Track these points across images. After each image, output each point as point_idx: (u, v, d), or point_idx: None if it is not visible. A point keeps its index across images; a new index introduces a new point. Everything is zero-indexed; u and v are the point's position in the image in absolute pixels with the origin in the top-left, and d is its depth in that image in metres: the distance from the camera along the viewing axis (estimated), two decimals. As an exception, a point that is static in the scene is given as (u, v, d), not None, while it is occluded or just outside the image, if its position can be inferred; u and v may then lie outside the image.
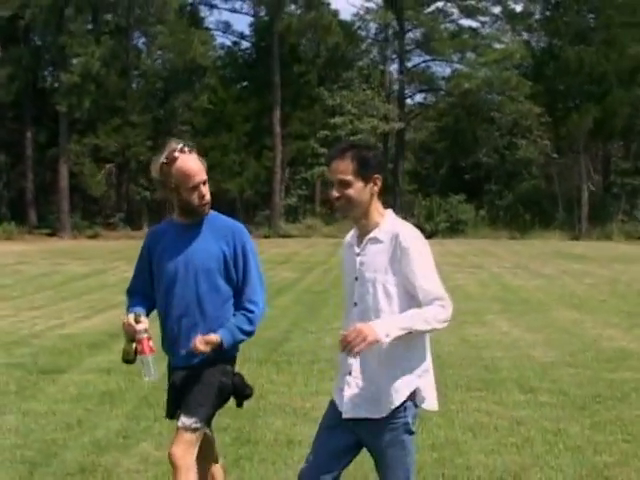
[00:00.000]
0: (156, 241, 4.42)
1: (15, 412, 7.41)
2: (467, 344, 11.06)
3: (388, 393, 3.69)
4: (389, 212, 3.86)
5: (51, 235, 44.81)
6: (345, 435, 3.81)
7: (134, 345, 4.16)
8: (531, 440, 6.65)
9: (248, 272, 4.27)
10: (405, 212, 49.08)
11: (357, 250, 3.83)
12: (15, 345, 10.94)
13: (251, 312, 4.24)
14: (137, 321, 4.17)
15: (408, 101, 58.69)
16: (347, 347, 3.50)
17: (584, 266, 24.60)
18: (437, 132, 59.47)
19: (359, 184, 3.71)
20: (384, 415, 3.69)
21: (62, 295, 16.88)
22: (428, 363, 3.82)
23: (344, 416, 3.77)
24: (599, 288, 18.51)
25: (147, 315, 4.31)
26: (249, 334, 4.27)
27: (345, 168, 3.71)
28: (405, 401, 3.70)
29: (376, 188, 3.76)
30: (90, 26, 48.11)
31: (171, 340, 4.32)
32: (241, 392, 4.35)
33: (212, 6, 56.95)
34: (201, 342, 4.08)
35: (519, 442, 6.59)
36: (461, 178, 53.49)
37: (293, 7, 50.98)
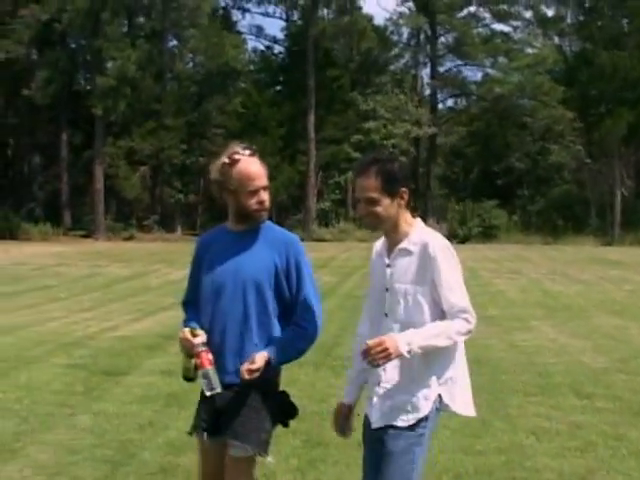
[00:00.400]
0: (206, 249, 4.26)
1: (87, 412, 7.62)
2: (517, 350, 11.18)
3: (416, 402, 3.70)
4: (418, 221, 3.85)
5: (86, 237, 45.41)
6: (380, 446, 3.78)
7: (193, 361, 4.05)
8: (593, 444, 6.75)
9: (302, 287, 4.09)
10: (437, 216, 49.32)
11: (387, 261, 3.83)
12: (73, 346, 11.18)
13: (304, 329, 4.06)
14: (194, 335, 4.04)
15: (439, 106, 58.97)
16: (369, 358, 3.53)
17: (621, 272, 24.61)
18: (467, 137, 59.53)
19: (386, 200, 3.71)
20: (411, 424, 3.69)
21: (109, 297, 17.19)
22: (456, 369, 3.81)
23: (373, 426, 3.77)
24: (638, 294, 18.56)
25: None
26: (301, 352, 4.10)
27: (371, 185, 3.69)
28: (430, 411, 3.72)
29: (403, 202, 3.75)
30: (125, 29, 48.77)
31: (215, 354, 4.07)
32: (287, 412, 4.16)
33: (245, 10, 57.56)
34: (249, 372, 3.89)
35: (582, 446, 6.69)
36: (492, 183, 53.59)
37: (326, 11, 51.34)
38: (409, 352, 3.55)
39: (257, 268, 4.05)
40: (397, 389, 3.73)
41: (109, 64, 44.97)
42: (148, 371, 9.52)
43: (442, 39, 57.02)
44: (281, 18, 58.48)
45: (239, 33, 55.83)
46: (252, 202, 4.03)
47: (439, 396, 3.73)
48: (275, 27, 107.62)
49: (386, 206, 3.71)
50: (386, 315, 3.79)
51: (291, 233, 4.26)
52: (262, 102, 45.15)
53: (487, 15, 57.89)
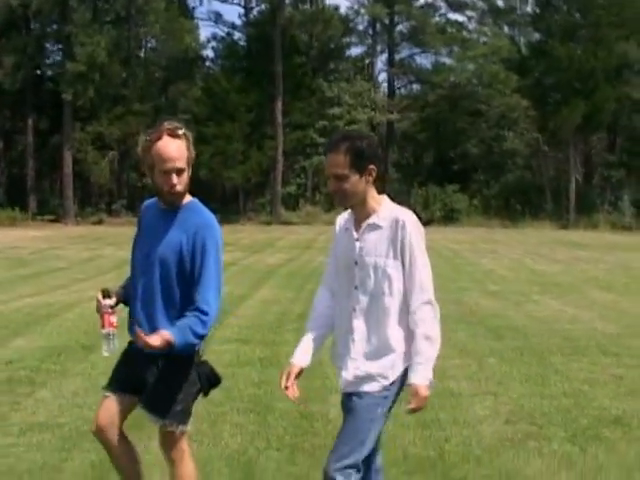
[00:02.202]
0: (143, 217, 4.34)
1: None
2: (534, 319, 12.44)
3: (383, 372, 3.87)
4: (385, 198, 3.97)
5: (54, 222, 45.67)
6: None
7: None
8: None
9: (205, 271, 4.04)
10: (396, 200, 50.69)
11: (356, 235, 3.91)
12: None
13: (205, 314, 4.00)
14: (105, 296, 4.21)
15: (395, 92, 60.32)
16: (418, 409, 3.86)
17: (590, 253, 26.25)
18: (419, 122, 60.86)
19: (355, 177, 3.79)
20: (377, 390, 3.87)
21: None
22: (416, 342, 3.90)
23: (344, 390, 3.95)
24: (615, 272, 20.08)
25: None
26: (201, 337, 4.06)
27: (340, 162, 3.78)
28: (396, 379, 3.89)
29: (371, 178, 3.84)
30: (90, 15, 49.06)
31: (132, 322, 4.20)
32: (208, 382, 4.23)
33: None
34: (156, 339, 3.91)
35: (630, 392, 7.89)
36: (447, 168, 55.06)
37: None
38: (429, 385, 3.85)
39: (165, 246, 4.09)
40: (366, 360, 3.88)
41: (76, 49, 45.13)
42: (223, 340, 10.42)
43: (399, 27, 58.53)
44: (239, 5, 59.33)
45: (197, 20, 56.48)
46: (162, 182, 4.04)
47: (404, 369, 3.89)
48: (233, 14, 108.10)
49: (354, 182, 3.80)
50: (356, 288, 3.91)
51: (209, 216, 4.19)
52: (230, 88, 45.96)
53: (443, 5, 59.65)
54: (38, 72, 49.33)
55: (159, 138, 3.99)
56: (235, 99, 45.61)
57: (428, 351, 3.81)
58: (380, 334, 3.86)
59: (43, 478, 5.46)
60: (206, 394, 4.27)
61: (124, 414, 4.25)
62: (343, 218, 4.05)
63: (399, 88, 60.73)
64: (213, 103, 46.87)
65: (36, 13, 44.84)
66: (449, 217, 46.58)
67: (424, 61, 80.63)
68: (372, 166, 3.82)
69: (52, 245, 27.65)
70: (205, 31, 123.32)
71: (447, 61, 58.05)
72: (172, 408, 4.09)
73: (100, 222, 45.14)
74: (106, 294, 4.21)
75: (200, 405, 4.75)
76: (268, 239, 32.26)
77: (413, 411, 3.87)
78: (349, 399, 3.89)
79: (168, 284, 4.09)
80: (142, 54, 50.86)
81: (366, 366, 3.86)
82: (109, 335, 4.14)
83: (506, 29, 61.83)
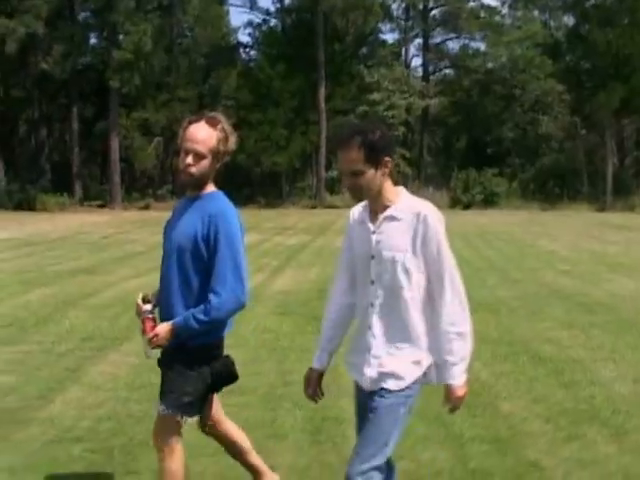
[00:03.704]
0: (176, 205, 4.42)
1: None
2: (617, 296, 13.10)
3: (406, 368, 3.72)
4: (402, 189, 3.82)
5: (102, 207, 46.87)
6: None
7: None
8: None
9: (218, 261, 4.05)
10: (431, 184, 51.59)
11: (372, 228, 3.77)
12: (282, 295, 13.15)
13: (209, 301, 4.03)
14: (145, 300, 4.26)
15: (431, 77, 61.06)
16: (455, 409, 3.80)
17: (637, 235, 27.06)
18: (450, 107, 61.51)
19: (370, 171, 3.66)
20: (400, 388, 3.71)
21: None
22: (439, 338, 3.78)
23: (367, 389, 3.79)
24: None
25: None
26: (203, 324, 4.05)
27: (354, 158, 3.64)
28: (419, 376, 3.75)
29: (387, 170, 3.71)
30: (133, 3, 49.97)
31: (159, 314, 4.29)
32: (220, 378, 4.26)
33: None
34: (160, 337, 4.11)
35: None
36: (480, 152, 55.79)
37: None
38: (465, 383, 3.74)
39: (181, 234, 4.12)
40: (388, 356, 3.74)
41: (123, 38, 46.09)
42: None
43: (434, 12, 59.25)
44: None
45: (231, 6, 57.39)
46: (180, 159, 4.13)
47: (429, 364, 3.76)
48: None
49: (370, 177, 3.66)
50: (372, 282, 3.78)
51: (226, 205, 4.20)
52: (274, 75, 46.93)
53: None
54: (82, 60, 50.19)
55: (197, 121, 4.09)
56: (278, 85, 46.58)
57: (462, 350, 3.70)
58: (402, 330, 3.73)
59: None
60: (217, 390, 4.33)
61: (209, 406, 4.46)
62: (357, 210, 3.93)
63: (432, 73, 61.54)
64: (256, 89, 47.84)
65: (83, 1, 45.68)
66: (489, 200, 47.45)
67: (455, 46, 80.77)
68: (387, 158, 3.69)
69: (119, 230, 28.71)
70: (236, 18, 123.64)
71: (479, 46, 58.89)
72: (179, 399, 4.10)
73: (147, 207, 46.23)
74: (146, 299, 4.26)
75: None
76: (323, 222, 33.23)
77: (450, 411, 3.83)
78: (371, 398, 3.74)
79: (185, 271, 4.11)
80: (183, 41, 51.68)
81: (389, 363, 3.73)
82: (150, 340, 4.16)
83: (536, 13, 62.56)
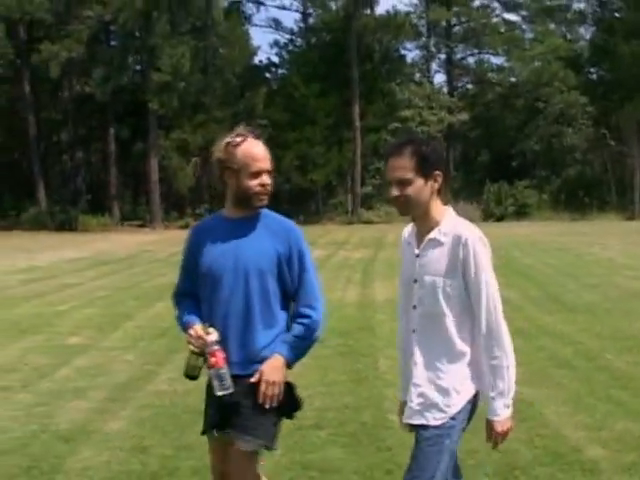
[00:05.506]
0: (203, 238, 4.08)
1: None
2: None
3: (447, 400, 3.61)
4: (449, 210, 3.70)
5: (141, 227, 47.88)
6: None
7: (201, 359, 3.94)
8: None
9: (305, 277, 3.96)
10: (459, 198, 52.63)
11: (417, 251, 3.68)
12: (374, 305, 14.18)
13: (308, 317, 3.92)
14: (206, 332, 3.91)
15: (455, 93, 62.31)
16: (496, 445, 3.67)
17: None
18: (471, 121, 62.64)
19: (419, 182, 3.55)
20: (442, 421, 3.60)
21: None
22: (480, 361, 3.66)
23: (405, 421, 3.72)
24: None
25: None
26: (310, 343, 3.99)
27: (405, 165, 3.55)
28: (463, 407, 3.64)
29: (436, 185, 3.60)
30: (168, 27, 51.34)
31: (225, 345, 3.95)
32: (293, 405, 4.04)
33: (259, 3, 60.49)
34: (278, 380, 3.89)
35: None
36: (503, 165, 56.78)
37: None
38: (509, 417, 3.62)
39: (259, 256, 3.91)
40: (430, 386, 3.64)
41: (161, 60, 47.26)
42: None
43: (457, 28, 60.57)
44: (297, 11, 61.56)
45: (255, 26, 58.76)
46: (254, 184, 3.90)
47: (473, 391, 3.67)
48: (288, 19, 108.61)
49: (419, 188, 3.55)
50: (414, 307, 3.69)
51: (288, 220, 4.07)
52: (309, 94, 48.24)
53: (497, 5, 61.69)
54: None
55: (245, 140, 3.90)
56: (314, 104, 47.88)
57: (500, 384, 3.56)
58: (443, 358, 3.62)
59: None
60: (291, 417, 4.08)
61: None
62: (407, 231, 3.84)
63: (456, 89, 62.74)
64: (291, 108, 49.11)
65: (122, 26, 47.03)
66: (521, 212, 48.59)
67: (476, 61, 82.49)
68: (438, 172, 3.60)
69: (178, 248, 29.65)
70: (259, 38, 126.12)
71: (501, 61, 60.07)
72: (268, 430, 3.92)
73: (187, 226, 47.08)
74: (205, 329, 3.93)
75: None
76: (372, 237, 34.10)
77: (493, 448, 3.72)
78: (415, 430, 3.66)
79: (266, 296, 3.92)
80: (216, 62, 53.05)
81: (430, 393, 3.62)
82: (224, 372, 3.86)
83: (552, 26, 63.73)
